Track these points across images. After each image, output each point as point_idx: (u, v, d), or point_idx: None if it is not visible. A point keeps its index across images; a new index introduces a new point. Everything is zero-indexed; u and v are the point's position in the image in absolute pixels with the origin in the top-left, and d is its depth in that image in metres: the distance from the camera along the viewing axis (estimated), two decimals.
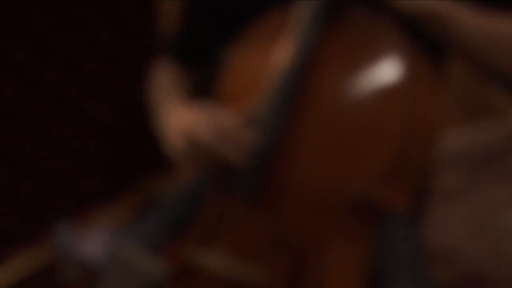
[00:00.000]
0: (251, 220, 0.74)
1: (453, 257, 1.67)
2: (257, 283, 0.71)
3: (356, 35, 0.73)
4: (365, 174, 0.66)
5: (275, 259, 0.71)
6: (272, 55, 0.74)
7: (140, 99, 1.72)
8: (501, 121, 2.49)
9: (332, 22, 0.72)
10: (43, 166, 1.51)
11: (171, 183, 1.90)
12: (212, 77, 0.92)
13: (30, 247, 1.55)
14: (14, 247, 1.52)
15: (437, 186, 2.04)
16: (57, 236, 1.54)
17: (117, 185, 1.78)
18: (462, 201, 1.96)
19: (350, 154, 0.68)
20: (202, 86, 0.94)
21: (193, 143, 0.69)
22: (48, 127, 1.51)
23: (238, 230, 0.73)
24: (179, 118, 0.75)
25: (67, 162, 1.57)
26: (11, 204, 1.47)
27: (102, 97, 1.63)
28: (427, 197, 1.28)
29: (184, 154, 0.71)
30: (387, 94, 0.68)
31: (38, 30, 1.37)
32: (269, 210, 0.73)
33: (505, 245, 1.72)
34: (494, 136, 2.38)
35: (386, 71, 0.69)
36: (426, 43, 0.74)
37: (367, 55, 0.71)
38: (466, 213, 1.89)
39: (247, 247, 0.73)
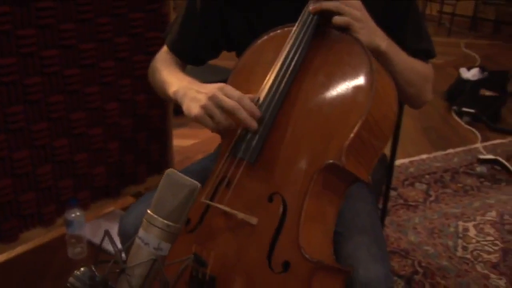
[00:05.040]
0: (250, 179, 0.95)
1: (412, 253, 1.93)
2: (252, 226, 0.96)
3: (334, 49, 1.00)
4: (336, 144, 0.92)
5: (265, 210, 0.95)
6: (274, 63, 1.00)
7: (149, 110, 1.97)
8: (457, 152, 2.82)
9: (317, 38, 1.00)
10: (64, 158, 1.73)
11: None
12: None
13: (47, 226, 1.77)
14: (34, 225, 1.73)
15: (403, 199, 2.32)
16: (70, 218, 1.75)
17: (123, 180, 2.00)
18: (422, 211, 2.23)
19: (326, 132, 0.94)
20: None
21: (217, 103, 0.91)
22: (71, 127, 1.72)
23: (239, 187, 0.98)
24: (202, 86, 0.97)
25: (83, 156, 1.80)
26: (32, 189, 1.68)
27: (119, 107, 1.85)
28: (383, 187, 1.54)
29: (203, 112, 0.92)
30: (356, 89, 0.95)
31: (68, 43, 1.62)
32: (264, 171, 0.95)
33: (453, 244, 2.00)
34: (450, 163, 2.68)
35: (356, 75, 0.96)
36: None
37: (342, 63, 0.98)
38: (424, 220, 2.16)
39: (246, 199, 0.98)
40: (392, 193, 2.34)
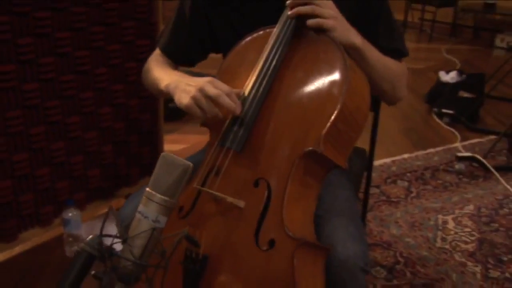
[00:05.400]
0: (237, 166, 1.04)
1: (394, 244, 2.03)
2: (240, 209, 1.05)
3: (312, 47, 1.10)
4: (315, 133, 1.02)
5: (252, 195, 1.05)
6: (257, 62, 1.10)
7: (141, 114, 2.06)
8: (437, 151, 2.94)
9: (295, 38, 1.10)
10: (60, 161, 1.81)
11: None
12: None
13: (44, 226, 1.84)
14: (32, 225, 1.81)
15: (386, 195, 2.42)
16: (67, 217, 1.83)
17: (116, 182, 2.08)
18: (403, 206, 2.34)
19: (306, 122, 1.04)
20: None
21: (205, 94, 1.00)
22: (67, 130, 1.81)
23: (227, 174, 1.07)
24: (192, 80, 1.07)
25: (78, 158, 1.88)
26: (31, 190, 1.76)
27: (113, 112, 1.93)
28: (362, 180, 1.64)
29: (193, 102, 1.01)
30: (332, 84, 1.05)
31: (64, 51, 1.71)
32: (250, 159, 1.04)
33: (433, 235, 2.10)
34: (431, 162, 2.80)
35: (331, 71, 1.06)
36: None
37: (319, 60, 1.08)
38: (405, 214, 2.27)
39: (234, 185, 1.07)
40: (375, 191, 2.45)
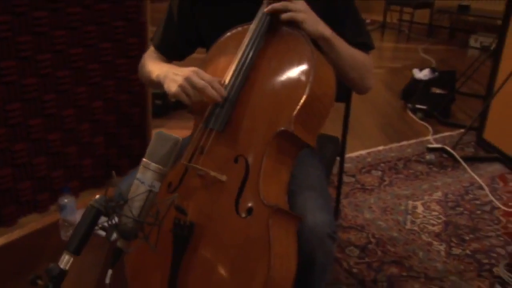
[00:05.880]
0: (219, 145, 1.19)
1: (367, 227, 2.20)
2: (222, 182, 1.20)
3: (284, 41, 1.26)
4: (286, 114, 1.17)
5: (232, 170, 1.20)
6: (236, 53, 1.25)
7: (130, 108, 2.20)
8: (410, 144, 3.12)
9: (270, 33, 1.26)
10: (56, 151, 1.95)
11: None
12: None
13: (41, 212, 1.98)
14: (30, 211, 1.94)
15: (360, 184, 2.59)
16: (62, 203, 1.96)
17: (108, 171, 2.22)
18: (377, 193, 2.51)
19: (279, 105, 1.20)
20: None
21: (190, 83, 1.16)
22: (63, 122, 1.95)
23: (211, 152, 1.22)
24: (179, 70, 1.22)
25: (73, 149, 2.02)
26: (29, 178, 1.90)
27: (104, 106, 2.07)
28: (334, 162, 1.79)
29: (180, 89, 1.17)
30: (301, 72, 1.21)
31: (59, 48, 1.85)
32: (230, 139, 1.19)
33: (403, 219, 2.28)
34: (404, 153, 2.98)
35: (300, 61, 1.22)
36: None
37: (290, 52, 1.24)
38: (378, 200, 2.43)
39: (216, 161, 1.22)
40: (351, 179, 2.61)
